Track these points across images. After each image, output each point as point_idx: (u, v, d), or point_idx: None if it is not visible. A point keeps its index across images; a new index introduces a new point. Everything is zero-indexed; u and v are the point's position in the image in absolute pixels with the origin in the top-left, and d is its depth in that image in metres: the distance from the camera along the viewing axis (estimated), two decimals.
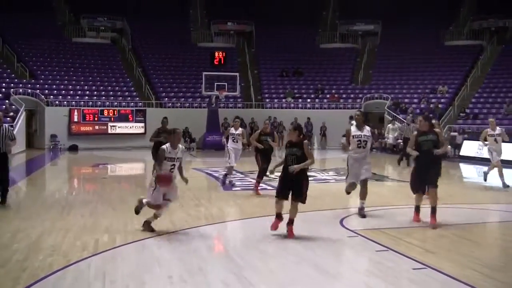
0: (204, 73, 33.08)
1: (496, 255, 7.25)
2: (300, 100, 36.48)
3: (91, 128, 32.32)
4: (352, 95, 36.95)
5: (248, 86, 37.67)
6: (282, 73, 39.10)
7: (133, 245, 8.03)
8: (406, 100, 35.29)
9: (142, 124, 32.93)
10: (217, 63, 36.91)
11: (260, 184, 13.69)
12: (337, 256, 7.69)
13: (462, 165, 23.64)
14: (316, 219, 10.13)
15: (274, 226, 8.69)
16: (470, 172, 21.46)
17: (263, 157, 13.64)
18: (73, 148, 31.07)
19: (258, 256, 7.42)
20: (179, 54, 39.53)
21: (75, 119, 32.04)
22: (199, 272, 6.76)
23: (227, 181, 15.09)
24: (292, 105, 35.83)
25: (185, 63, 38.85)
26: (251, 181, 15.97)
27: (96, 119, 32.44)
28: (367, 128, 10.45)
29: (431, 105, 33.68)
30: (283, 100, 36.49)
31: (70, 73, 36.10)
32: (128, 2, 40.70)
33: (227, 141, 15.14)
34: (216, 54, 37.23)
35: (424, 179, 9.39)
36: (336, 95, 36.51)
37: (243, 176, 17.31)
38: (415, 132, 9.93)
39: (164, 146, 8.54)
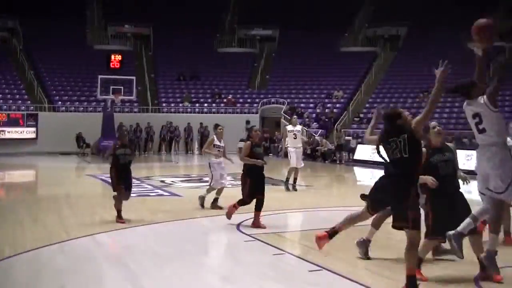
0: (100, 76, 32.27)
1: (385, 253, 7.54)
2: (197, 104, 36.42)
3: None
4: (249, 100, 37.35)
5: (144, 90, 37.18)
6: (180, 77, 38.89)
7: (24, 256, 7.66)
8: (302, 105, 36.12)
9: (34, 129, 31.67)
10: (113, 66, 36.04)
11: (156, 190, 13.33)
12: (234, 260, 7.71)
13: (356, 169, 24.58)
14: (213, 225, 10.14)
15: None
16: (363, 175, 22.52)
17: (257, 181, 9.60)
18: None
19: (154, 263, 7.31)
20: (73, 56, 38.17)
21: None
22: (94, 282, 6.58)
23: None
24: (189, 109, 35.69)
25: (80, 66, 37.62)
26: (146, 187, 15.80)
27: None
28: None
29: (327, 110, 34.65)
30: (180, 104, 36.30)
31: None
32: (20, 0, 39.01)
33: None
34: (113, 57, 36.36)
35: (453, 222, 6.10)
36: (233, 100, 36.76)
37: (139, 182, 17.06)
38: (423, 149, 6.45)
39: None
